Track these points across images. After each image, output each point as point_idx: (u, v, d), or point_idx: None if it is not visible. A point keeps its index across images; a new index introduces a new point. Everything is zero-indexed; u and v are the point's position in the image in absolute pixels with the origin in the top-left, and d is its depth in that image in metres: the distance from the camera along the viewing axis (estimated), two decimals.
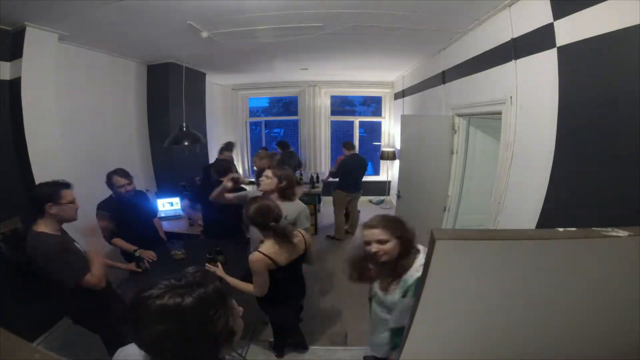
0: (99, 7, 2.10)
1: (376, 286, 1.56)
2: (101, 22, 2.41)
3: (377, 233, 1.40)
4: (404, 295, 1.37)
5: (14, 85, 2.36)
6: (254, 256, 1.82)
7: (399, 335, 1.42)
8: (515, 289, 0.82)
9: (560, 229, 0.74)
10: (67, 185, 1.74)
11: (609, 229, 0.73)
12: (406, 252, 1.41)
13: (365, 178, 6.54)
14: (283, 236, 1.86)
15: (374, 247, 1.40)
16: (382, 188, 6.54)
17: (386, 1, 2.18)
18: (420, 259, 1.40)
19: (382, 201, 6.51)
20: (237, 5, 2.21)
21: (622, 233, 0.72)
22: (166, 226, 3.52)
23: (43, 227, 1.65)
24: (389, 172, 6.35)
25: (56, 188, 1.69)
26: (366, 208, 5.90)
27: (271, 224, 1.84)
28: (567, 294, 0.82)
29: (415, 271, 1.37)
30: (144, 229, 2.68)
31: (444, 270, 0.79)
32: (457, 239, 0.77)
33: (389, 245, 1.39)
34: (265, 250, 1.83)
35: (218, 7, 2.22)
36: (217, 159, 3.91)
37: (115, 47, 3.22)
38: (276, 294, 1.97)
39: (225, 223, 2.89)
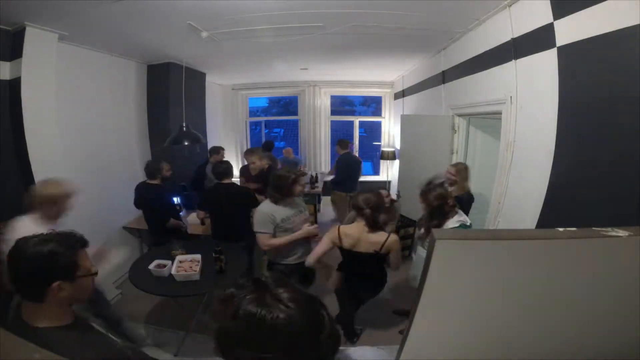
0: (99, 7, 2.10)
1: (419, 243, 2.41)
2: (101, 22, 2.41)
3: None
4: None
5: (14, 85, 2.36)
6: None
7: None
8: (515, 289, 0.82)
9: (560, 229, 0.74)
10: (82, 243, 0.97)
11: (609, 229, 0.73)
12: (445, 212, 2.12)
13: (365, 178, 6.56)
14: (372, 224, 2.05)
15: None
16: (382, 188, 6.53)
17: (386, 1, 2.18)
18: (457, 217, 2.09)
19: None
20: (237, 5, 2.21)
21: (622, 233, 0.72)
22: None
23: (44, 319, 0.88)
24: (389, 172, 6.34)
25: (69, 252, 0.91)
26: None
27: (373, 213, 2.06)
28: (567, 294, 0.82)
29: (452, 223, 2.07)
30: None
31: (444, 270, 0.79)
32: (457, 239, 0.76)
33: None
34: (342, 227, 2.14)
35: (218, 7, 2.22)
36: (216, 161, 3.91)
37: (115, 47, 3.22)
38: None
39: (233, 223, 2.88)
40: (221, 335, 0.57)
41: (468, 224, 2.12)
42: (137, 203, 3.15)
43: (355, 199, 2.12)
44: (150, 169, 3.07)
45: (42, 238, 0.90)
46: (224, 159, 3.88)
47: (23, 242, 0.89)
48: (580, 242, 0.75)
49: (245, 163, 4.45)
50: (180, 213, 3.57)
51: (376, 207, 2.06)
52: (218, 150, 4.14)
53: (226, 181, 2.96)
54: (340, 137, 5.54)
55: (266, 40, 2.99)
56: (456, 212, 2.13)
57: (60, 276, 0.87)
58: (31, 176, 2.43)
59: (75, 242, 0.93)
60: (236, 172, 5.27)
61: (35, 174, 2.44)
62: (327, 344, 0.58)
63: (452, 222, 2.08)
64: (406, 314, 2.79)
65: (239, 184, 4.04)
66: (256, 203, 2.92)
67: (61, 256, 0.88)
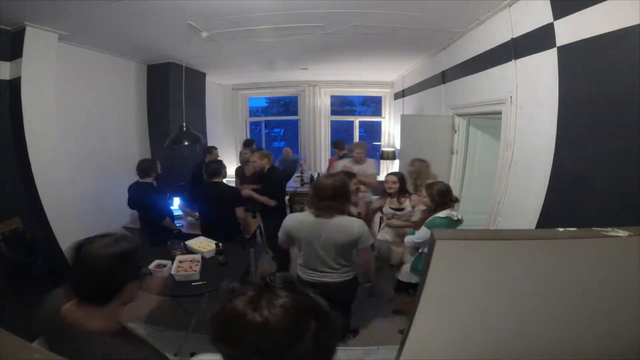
0: (98, 7, 2.10)
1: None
2: (101, 22, 2.41)
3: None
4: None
5: (14, 85, 2.36)
6: None
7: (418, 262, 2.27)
8: (515, 289, 0.82)
9: (560, 229, 0.74)
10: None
11: (609, 229, 0.73)
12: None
13: None
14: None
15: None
16: (382, 188, 6.53)
17: (386, 1, 2.18)
18: (448, 211, 2.08)
19: None
20: (237, 5, 2.21)
21: (622, 233, 0.72)
22: None
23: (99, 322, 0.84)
24: (389, 172, 6.34)
25: (137, 252, 0.90)
26: None
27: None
28: (567, 294, 0.82)
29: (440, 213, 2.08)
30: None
31: (444, 270, 0.79)
32: (457, 239, 0.77)
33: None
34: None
35: (218, 7, 2.22)
36: (208, 161, 3.91)
37: (115, 47, 3.22)
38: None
39: (221, 222, 2.88)
40: (209, 325, 0.59)
41: (455, 218, 2.06)
42: (131, 203, 3.11)
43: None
44: (145, 168, 2.98)
45: (111, 239, 0.84)
46: (217, 159, 3.89)
47: (87, 242, 0.82)
48: (580, 242, 0.75)
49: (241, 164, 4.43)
50: (180, 213, 3.57)
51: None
52: (211, 150, 4.14)
53: (216, 180, 2.97)
54: (341, 137, 5.52)
55: (266, 40, 2.99)
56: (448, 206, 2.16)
57: (132, 277, 0.84)
58: (31, 176, 2.43)
59: (137, 243, 0.90)
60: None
61: (35, 174, 2.44)
62: (308, 355, 0.55)
63: (441, 213, 2.08)
64: (406, 314, 2.80)
65: (234, 184, 4.04)
66: (242, 203, 2.91)
67: (132, 256, 0.84)
